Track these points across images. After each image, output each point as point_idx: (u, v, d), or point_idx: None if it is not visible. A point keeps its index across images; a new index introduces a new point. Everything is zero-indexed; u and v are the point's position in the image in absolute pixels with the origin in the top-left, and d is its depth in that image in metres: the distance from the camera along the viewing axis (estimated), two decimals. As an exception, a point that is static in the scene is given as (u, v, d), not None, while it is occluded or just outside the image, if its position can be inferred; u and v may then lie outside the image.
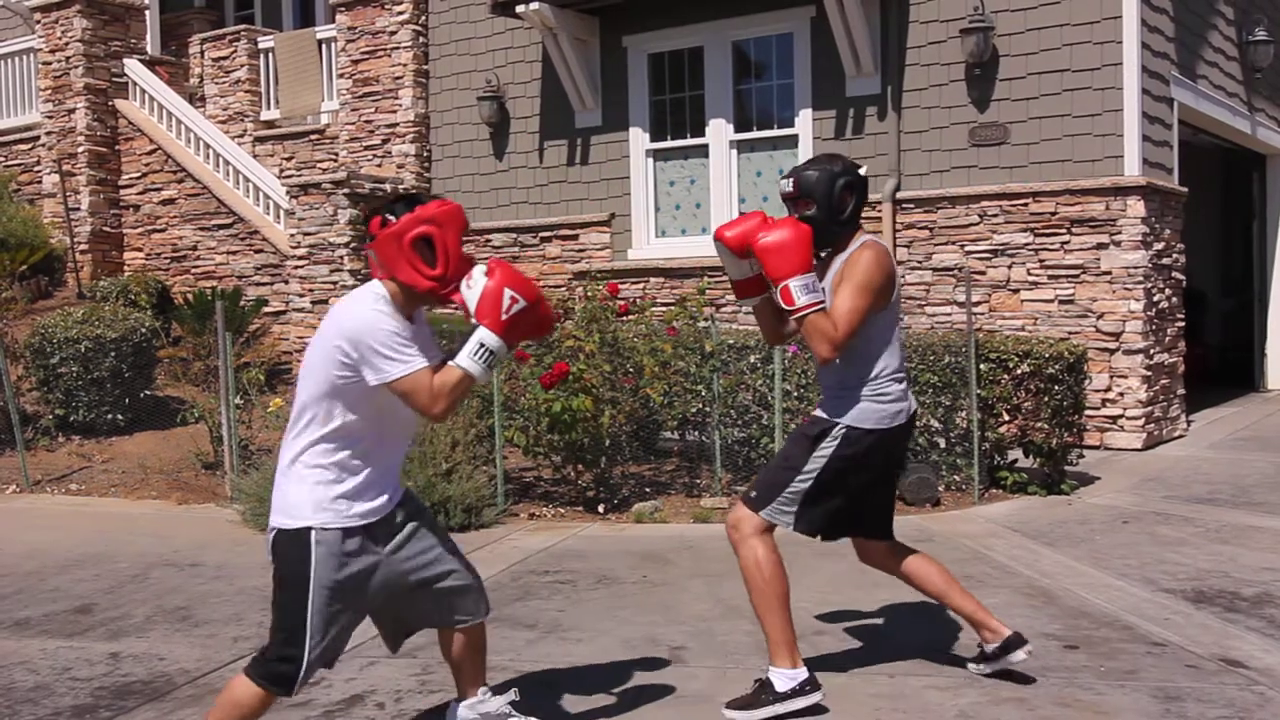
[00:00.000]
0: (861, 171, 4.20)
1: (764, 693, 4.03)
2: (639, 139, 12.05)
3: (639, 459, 9.04)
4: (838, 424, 4.09)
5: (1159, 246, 10.16)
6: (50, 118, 14.42)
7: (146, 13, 15.07)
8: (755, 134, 11.56)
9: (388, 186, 12.86)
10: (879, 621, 5.22)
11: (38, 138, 14.71)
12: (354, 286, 12.17)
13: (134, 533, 7.72)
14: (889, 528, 4.42)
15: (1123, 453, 9.69)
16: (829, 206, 4.09)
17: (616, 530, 7.42)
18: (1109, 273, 9.84)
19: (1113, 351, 9.82)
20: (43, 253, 13.48)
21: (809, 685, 4.02)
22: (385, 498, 3.56)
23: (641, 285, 11.52)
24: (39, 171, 14.69)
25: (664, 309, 9.44)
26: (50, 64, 14.41)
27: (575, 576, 6.11)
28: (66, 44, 14.24)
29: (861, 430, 4.07)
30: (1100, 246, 9.88)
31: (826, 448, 4.09)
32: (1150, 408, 9.93)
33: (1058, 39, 10.03)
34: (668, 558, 6.56)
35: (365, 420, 3.45)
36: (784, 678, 4.02)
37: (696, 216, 11.90)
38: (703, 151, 11.78)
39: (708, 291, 9.93)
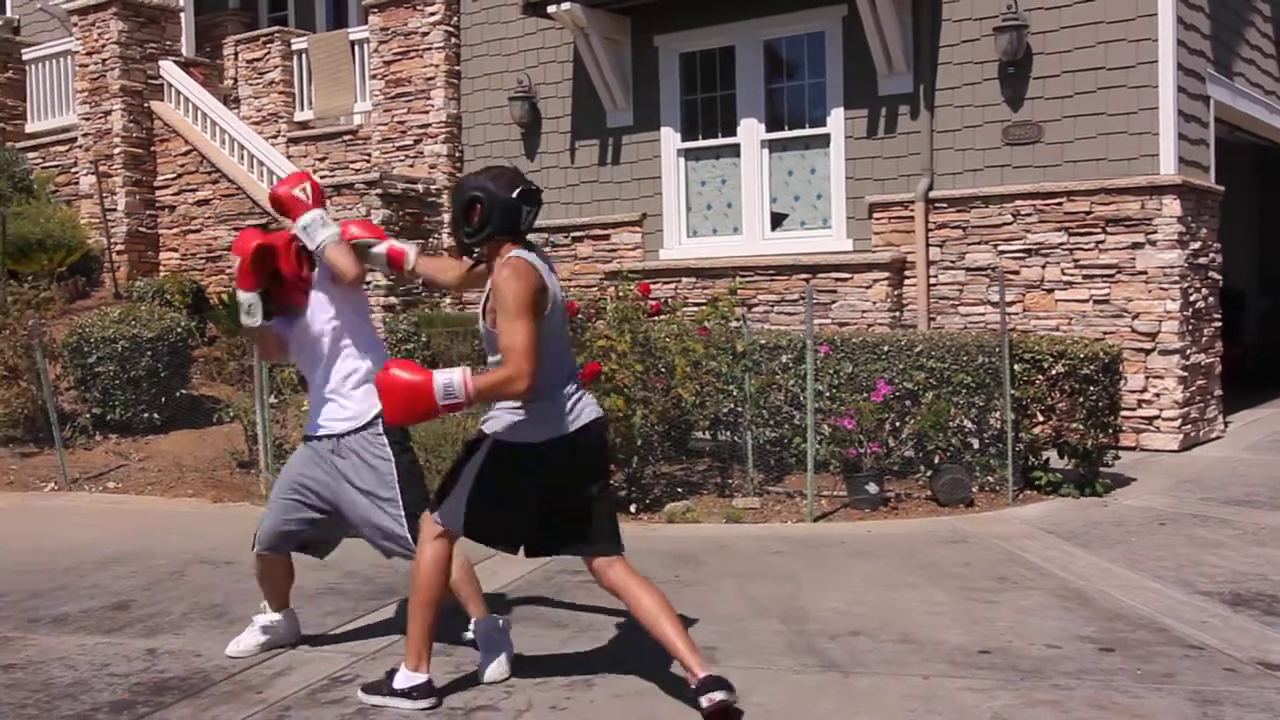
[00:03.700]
0: (498, 189, 4.10)
1: (384, 682, 4.32)
2: (670, 139, 12.05)
3: (671, 459, 9.04)
4: (487, 436, 4.16)
5: (1195, 245, 10.07)
6: (87, 119, 14.57)
7: (181, 15, 15.20)
8: (787, 133, 11.54)
9: (420, 187, 12.94)
10: (912, 622, 5.19)
11: (75, 139, 14.87)
12: (386, 286, 12.25)
13: (170, 530, 7.79)
14: (594, 544, 4.23)
15: (1159, 454, 9.61)
16: (456, 218, 4.21)
17: (649, 530, 7.42)
18: (1144, 272, 9.76)
19: (1148, 352, 9.74)
20: (80, 253, 13.62)
21: (418, 692, 4.23)
22: (313, 428, 4.79)
23: (673, 285, 11.52)
24: (76, 173, 14.85)
25: (695, 309, 9.42)
26: (87, 66, 14.56)
27: (607, 576, 6.11)
28: (103, 46, 14.39)
29: (510, 443, 4.09)
30: (1135, 246, 9.80)
31: (477, 458, 4.18)
32: (1187, 408, 9.84)
33: (1092, 37, 9.96)
34: (700, 558, 6.56)
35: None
36: (403, 677, 4.25)
37: (728, 216, 11.89)
38: (734, 151, 11.77)
39: (739, 291, 9.92)
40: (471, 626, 4.67)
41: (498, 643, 4.60)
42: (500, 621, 4.67)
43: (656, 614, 4.09)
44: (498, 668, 4.54)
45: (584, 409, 4.18)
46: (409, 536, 4.58)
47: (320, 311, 4.73)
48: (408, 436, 4.82)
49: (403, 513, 4.62)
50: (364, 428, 4.67)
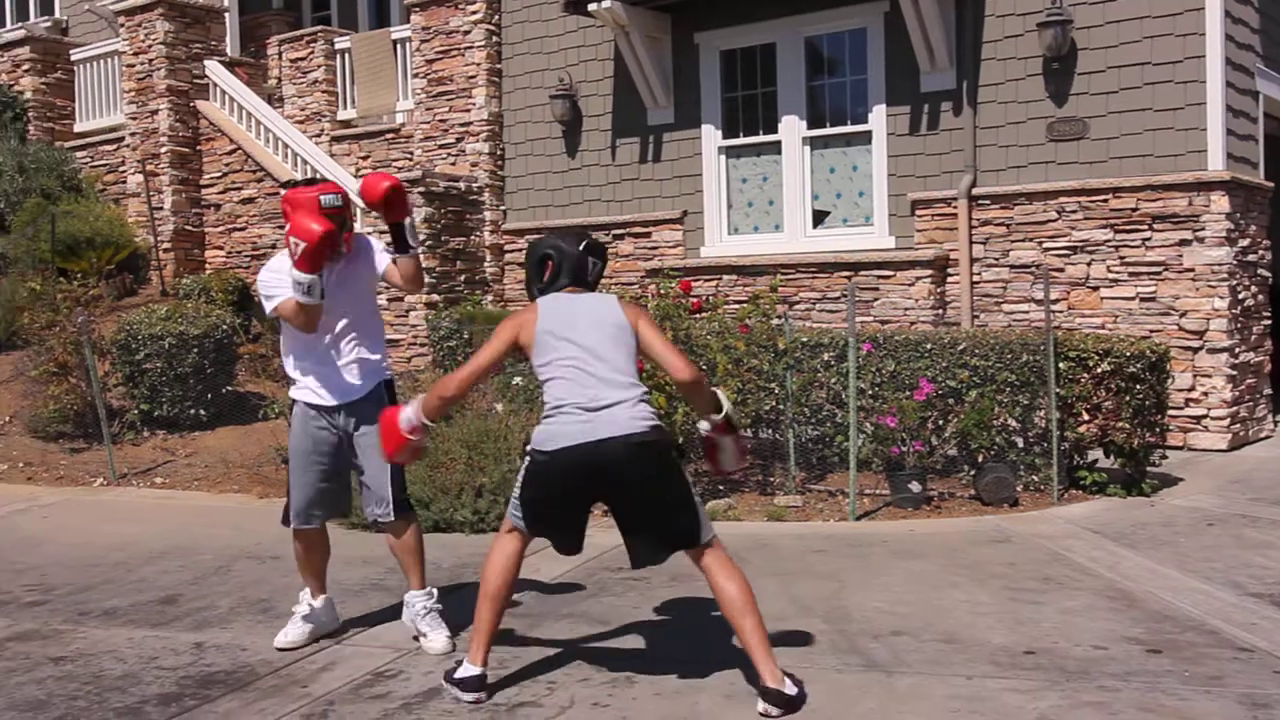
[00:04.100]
0: (566, 245, 4.54)
1: (453, 669, 4.46)
2: (711, 136, 12.04)
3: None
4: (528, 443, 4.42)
5: (1244, 243, 9.93)
6: (134, 119, 14.74)
7: (226, 15, 15.37)
8: (828, 130, 11.50)
9: (462, 185, 12.99)
10: (956, 622, 5.17)
11: (122, 139, 15.05)
12: (429, 285, 12.31)
13: (217, 525, 7.87)
14: (668, 545, 4.40)
15: (1207, 453, 9.49)
16: (530, 276, 4.62)
17: (689, 528, 7.41)
18: (1192, 270, 9.65)
19: (1196, 350, 9.63)
20: (127, 251, 13.79)
21: (465, 685, 4.35)
22: (324, 397, 4.97)
23: (714, 283, 11.50)
24: (124, 172, 15.03)
25: (737, 306, 9.42)
26: (134, 66, 14.73)
27: (649, 573, 6.11)
28: (149, 46, 14.55)
29: (538, 451, 4.29)
30: (1183, 243, 9.69)
31: (525, 462, 4.43)
32: (1235, 407, 9.72)
33: (1138, 32, 9.86)
34: (741, 555, 6.50)
35: (290, 335, 5.04)
36: (464, 667, 4.40)
37: (769, 214, 11.86)
38: (775, 148, 11.74)
39: (781, 289, 9.89)
40: (406, 597, 5.05)
41: (436, 615, 4.98)
42: (435, 593, 5.09)
43: (740, 608, 4.20)
44: (445, 640, 4.92)
45: (607, 424, 4.19)
46: (391, 501, 4.99)
47: (364, 288, 5.09)
48: (394, 395, 5.15)
49: (388, 474, 4.97)
50: (372, 391, 5.03)
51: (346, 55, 14.91)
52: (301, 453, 5.07)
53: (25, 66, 15.83)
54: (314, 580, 5.22)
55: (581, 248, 4.53)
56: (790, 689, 4.11)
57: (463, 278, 12.91)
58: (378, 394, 5.04)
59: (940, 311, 10.55)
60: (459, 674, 4.37)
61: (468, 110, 13.48)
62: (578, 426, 4.20)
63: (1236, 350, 9.73)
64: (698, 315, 8.51)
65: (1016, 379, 8.00)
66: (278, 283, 4.92)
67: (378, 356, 5.10)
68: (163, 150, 14.42)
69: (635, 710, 4.20)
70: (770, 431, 8.99)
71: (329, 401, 5.00)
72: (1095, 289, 10.05)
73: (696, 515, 4.34)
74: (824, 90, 11.67)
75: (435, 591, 5.10)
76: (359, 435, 5.00)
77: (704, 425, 4.54)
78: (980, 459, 8.06)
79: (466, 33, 13.44)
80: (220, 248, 14.44)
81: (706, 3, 11.81)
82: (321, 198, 4.80)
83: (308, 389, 5.04)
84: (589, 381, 4.26)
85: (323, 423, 5.02)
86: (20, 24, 17.99)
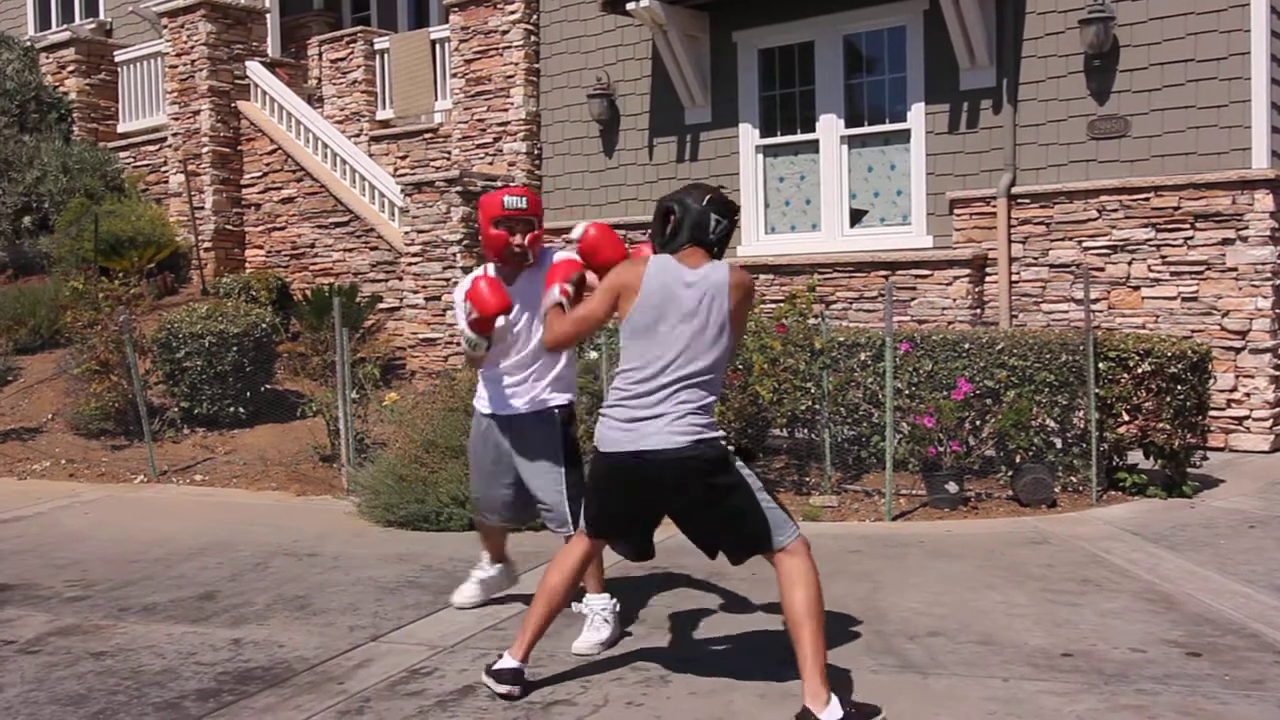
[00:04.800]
0: (691, 200, 4.31)
1: (491, 662, 4.47)
2: (749, 135, 12.01)
3: (747, 456, 9.00)
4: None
5: (1289, 242, 9.81)
6: (176, 119, 14.88)
7: (267, 16, 15.49)
8: (866, 129, 11.45)
9: (499, 184, 13.03)
10: (992, 623, 5.13)
11: (164, 139, 15.21)
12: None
13: (255, 523, 7.94)
14: (733, 551, 4.33)
15: (1249, 455, 9.38)
16: (655, 229, 4.47)
17: (725, 527, 7.39)
18: (1235, 269, 9.53)
19: (1239, 350, 9.51)
20: (169, 250, 13.91)
21: (499, 674, 4.34)
22: (494, 408, 5.05)
23: (750, 282, 11.46)
24: (165, 172, 15.18)
25: (774, 306, 9.40)
26: (176, 67, 14.87)
27: (684, 572, 6.12)
28: (192, 48, 14.69)
29: (595, 449, 4.31)
30: (1226, 242, 9.57)
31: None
32: (1278, 409, 9.59)
33: (1181, 28, 9.75)
34: (776, 556, 6.52)
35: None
36: (503, 659, 4.38)
37: (806, 213, 11.82)
38: (813, 147, 11.70)
39: (818, 288, 9.86)
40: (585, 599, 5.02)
41: (602, 618, 4.98)
42: (614, 604, 5.04)
43: (798, 617, 4.01)
44: (587, 644, 4.88)
45: (647, 436, 4.10)
46: (567, 509, 4.89)
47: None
48: (572, 417, 5.11)
49: (564, 483, 4.93)
50: (541, 411, 5.03)
51: (385, 55, 15.00)
52: (475, 456, 5.25)
53: (70, 68, 16.04)
54: (489, 549, 5.51)
55: (705, 203, 4.27)
56: (832, 713, 3.83)
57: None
58: (547, 415, 5.00)
59: (978, 311, 10.48)
60: (497, 665, 4.37)
61: (505, 110, 13.52)
62: (620, 433, 4.16)
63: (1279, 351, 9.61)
64: (734, 314, 8.48)
65: (1055, 379, 7.93)
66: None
67: (560, 378, 5.06)
68: (204, 150, 14.56)
69: (669, 709, 4.20)
70: (806, 431, 8.95)
71: (493, 411, 5.07)
72: (1136, 288, 9.95)
73: (764, 523, 4.17)
74: (862, 89, 11.62)
75: (615, 600, 5.05)
76: (521, 454, 5.03)
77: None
78: (1018, 459, 7.99)
79: (505, 32, 13.48)
80: (260, 247, 14.56)
81: (745, 1, 11.79)
82: (505, 199, 4.86)
83: (483, 398, 5.13)
84: (649, 384, 4.14)
85: (495, 432, 5.09)
86: (66, 25, 18.23)
